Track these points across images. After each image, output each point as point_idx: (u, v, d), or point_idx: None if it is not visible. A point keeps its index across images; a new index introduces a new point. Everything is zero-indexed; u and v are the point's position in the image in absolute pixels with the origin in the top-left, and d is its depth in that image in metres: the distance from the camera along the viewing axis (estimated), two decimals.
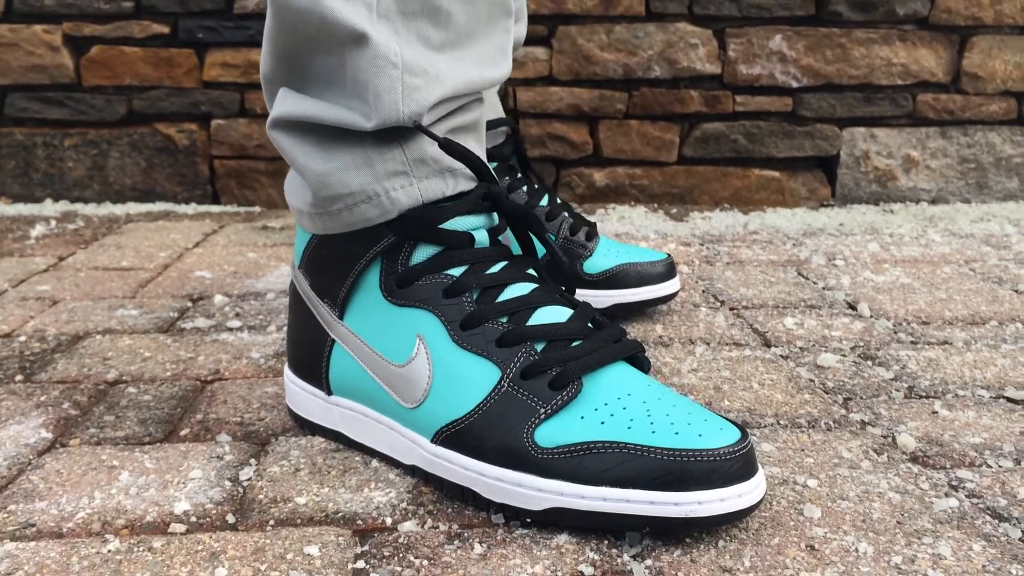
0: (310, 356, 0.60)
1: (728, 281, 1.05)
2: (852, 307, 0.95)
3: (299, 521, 0.50)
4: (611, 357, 0.52)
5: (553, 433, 0.49)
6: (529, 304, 0.54)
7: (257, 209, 1.55)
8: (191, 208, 1.54)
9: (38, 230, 1.31)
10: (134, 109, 1.56)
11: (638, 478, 0.47)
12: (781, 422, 0.64)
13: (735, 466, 0.47)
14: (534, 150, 1.58)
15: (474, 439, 0.51)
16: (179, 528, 0.49)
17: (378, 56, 0.53)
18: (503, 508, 0.50)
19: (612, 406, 0.50)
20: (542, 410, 0.50)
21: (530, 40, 1.55)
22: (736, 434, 0.48)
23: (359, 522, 0.50)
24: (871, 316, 0.91)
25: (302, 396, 0.61)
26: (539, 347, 0.52)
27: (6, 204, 1.55)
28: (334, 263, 0.58)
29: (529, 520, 0.49)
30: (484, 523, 0.50)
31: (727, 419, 0.50)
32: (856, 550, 0.47)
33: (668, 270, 0.89)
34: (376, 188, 0.55)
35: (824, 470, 0.56)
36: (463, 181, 0.57)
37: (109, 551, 0.46)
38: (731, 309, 0.94)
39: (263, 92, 0.61)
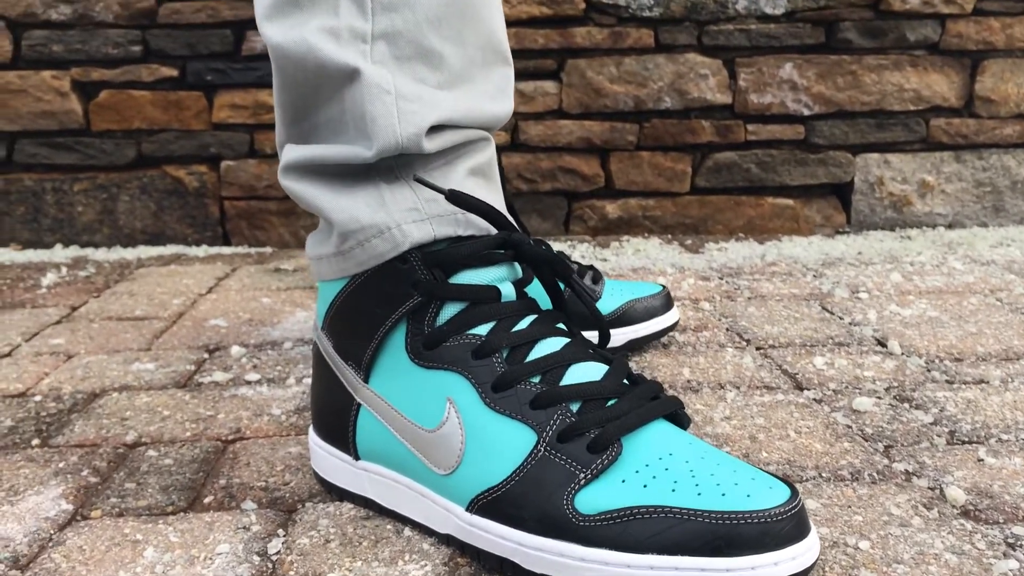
0: (335, 420, 0.59)
1: (752, 318, 1.03)
2: (881, 344, 0.93)
3: None
4: (650, 416, 0.51)
5: (594, 499, 0.47)
6: (562, 362, 0.52)
7: (269, 250, 1.54)
8: (202, 250, 1.53)
9: (49, 278, 1.30)
10: (143, 153, 1.55)
11: (686, 544, 0.45)
12: (823, 474, 0.62)
13: (787, 527, 0.45)
14: (545, 184, 1.57)
15: (511, 507, 0.49)
16: None
17: (371, 85, 0.54)
18: None
19: (654, 467, 0.48)
20: (582, 475, 0.48)
21: (539, 74, 1.54)
22: (786, 493, 0.46)
23: None
24: (902, 353, 0.89)
25: (329, 460, 0.60)
26: (575, 407, 0.51)
27: (16, 251, 1.54)
28: (358, 325, 0.56)
29: None
30: None
31: (774, 476, 0.48)
32: None
33: (667, 301, 0.93)
34: (388, 222, 0.54)
35: (875, 529, 0.54)
36: (473, 228, 0.56)
37: None
38: (758, 349, 0.92)
39: (280, 158, 0.61)
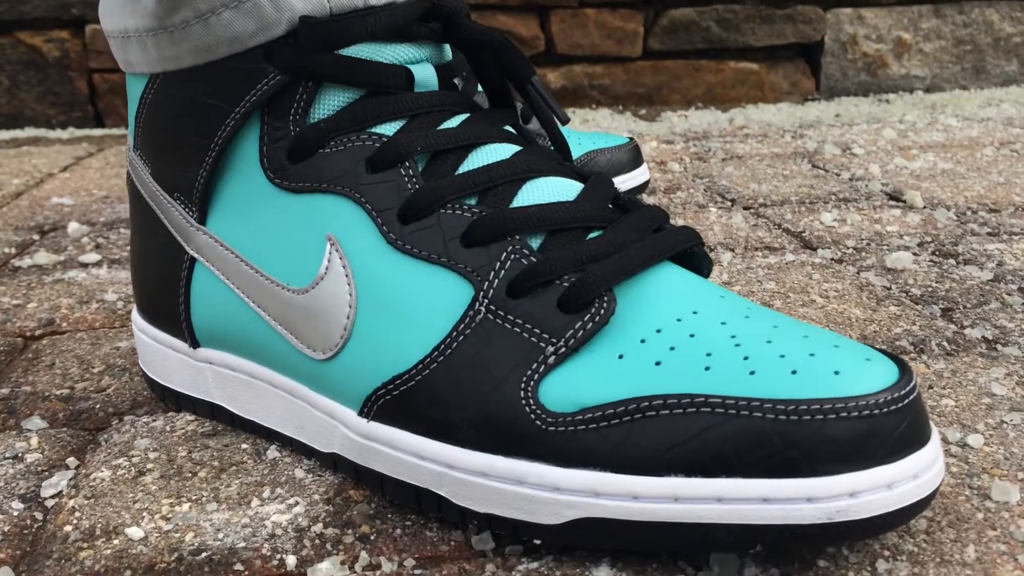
0: (161, 289, 0.38)
1: (732, 177, 0.85)
2: (895, 198, 0.75)
3: (127, 574, 0.28)
4: (656, 255, 0.31)
5: (573, 387, 0.28)
6: (513, 174, 0.32)
7: None
8: (67, 132, 1.27)
9: None
10: None
11: (735, 457, 0.26)
12: (876, 346, 0.44)
13: (904, 424, 0.26)
14: None
15: (433, 406, 0.30)
16: None
17: None
18: (492, 523, 0.29)
19: (671, 333, 0.29)
20: (551, 348, 0.29)
21: None
22: (892, 369, 0.28)
23: (238, 567, 0.28)
24: (925, 207, 0.72)
25: (157, 352, 0.39)
26: (535, 242, 0.31)
27: None
28: (184, 131, 0.35)
29: (539, 542, 0.28)
30: (460, 553, 0.29)
31: (867, 345, 0.29)
32: None
33: (636, 155, 0.74)
34: None
35: (980, 418, 0.36)
36: None
37: None
38: (746, 208, 0.73)
39: None
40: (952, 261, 0.58)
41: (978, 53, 1.47)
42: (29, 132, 1.28)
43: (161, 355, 0.39)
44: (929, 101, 1.34)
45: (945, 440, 0.35)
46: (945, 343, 0.45)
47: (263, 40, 0.33)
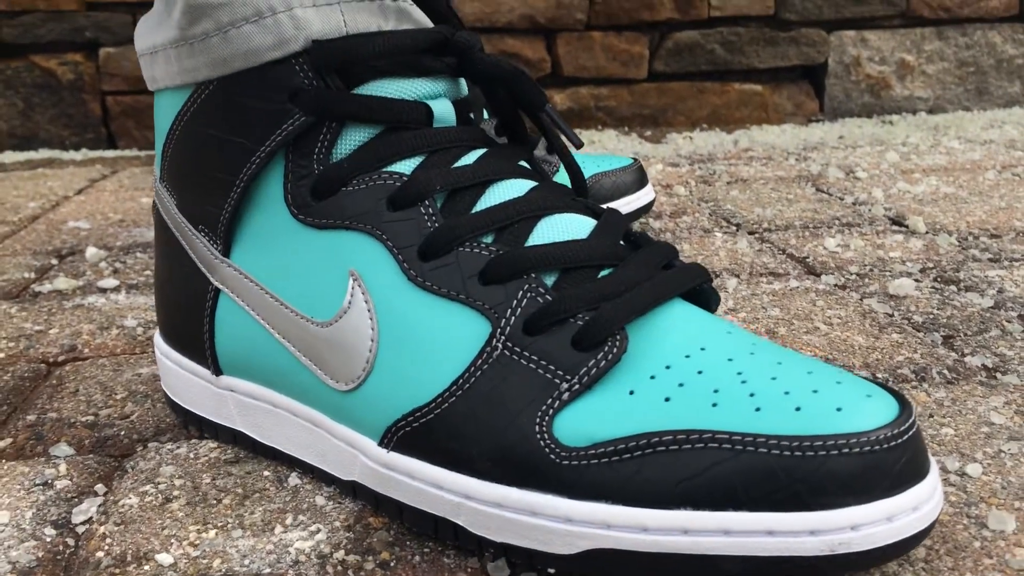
0: (185, 318, 0.39)
1: (737, 201, 0.86)
2: (898, 223, 0.76)
3: None
4: (667, 292, 0.32)
5: (586, 422, 0.29)
6: (529, 211, 0.34)
7: None
8: (81, 154, 1.29)
9: None
10: (4, 39, 1.30)
11: (742, 491, 0.27)
12: (878, 374, 0.46)
13: (903, 459, 0.27)
14: None
15: (451, 438, 0.31)
16: None
17: None
18: (507, 552, 0.30)
19: (680, 370, 0.30)
20: (565, 385, 0.30)
21: None
22: (892, 405, 0.29)
23: None
24: (928, 232, 0.73)
25: (181, 378, 0.40)
26: (550, 280, 0.32)
27: None
28: (209, 167, 0.36)
29: (553, 571, 0.30)
30: None
31: (869, 380, 0.30)
32: None
33: (640, 175, 0.76)
34: (272, 1, 0.34)
35: (979, 447, 0.37)
36: (408, 22, 0.36)
37: None
38: (751, 233, 0.75)
39: None
40: (953, 288, 0.59)
41: (981, 75, 1.48)
42: (43, 153, 1.31)
43: (184, 380, 0.40)
44: (932, 123, 1.36)
45: (944, 469, 0.36)
46: (946, 371, 0.46)
47: (278, 55, 0.34)
